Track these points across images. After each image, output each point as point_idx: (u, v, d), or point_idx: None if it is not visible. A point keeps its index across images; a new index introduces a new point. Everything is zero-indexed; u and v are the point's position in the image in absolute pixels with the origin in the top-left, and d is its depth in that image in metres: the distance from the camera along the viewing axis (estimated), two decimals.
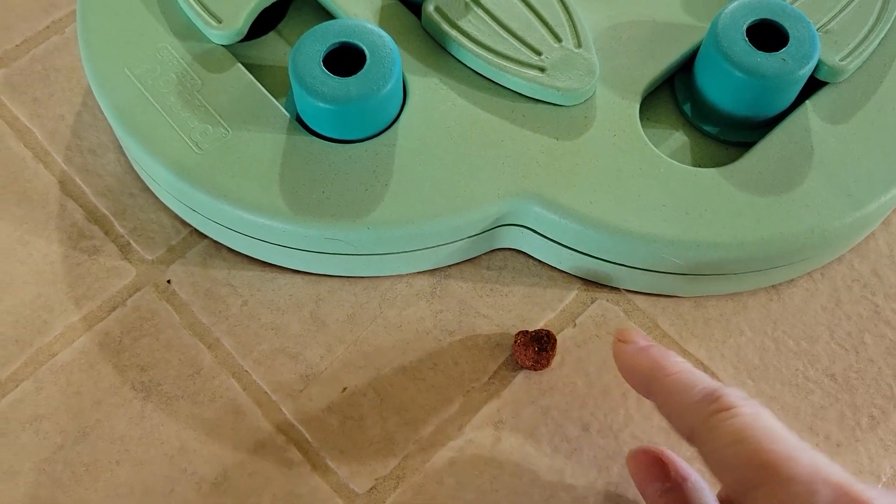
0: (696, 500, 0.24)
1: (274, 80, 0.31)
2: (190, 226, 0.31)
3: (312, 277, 0.30)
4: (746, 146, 0.30)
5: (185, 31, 0.30)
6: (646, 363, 0.24)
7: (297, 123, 0.29)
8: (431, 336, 0.29)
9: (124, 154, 0.32)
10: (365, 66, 0.27)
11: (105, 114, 0.29)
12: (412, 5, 0.31)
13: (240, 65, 0.30)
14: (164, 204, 0.31)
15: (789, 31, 0.28)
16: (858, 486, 0.20)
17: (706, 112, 0.30)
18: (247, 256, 0.30)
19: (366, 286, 0.30)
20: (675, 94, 0.31)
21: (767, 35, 0.28)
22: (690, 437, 0.22)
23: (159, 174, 0.28)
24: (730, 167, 0.28)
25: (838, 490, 0.19)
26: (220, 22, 0.29)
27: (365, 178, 0.28)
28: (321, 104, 0.27)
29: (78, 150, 0.32)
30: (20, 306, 0.29)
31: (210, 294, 0.30)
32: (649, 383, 0.24)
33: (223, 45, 0.30)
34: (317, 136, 0.29)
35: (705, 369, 0.29)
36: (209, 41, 0.30)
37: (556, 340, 0.28)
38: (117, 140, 0.32)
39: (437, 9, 0.30)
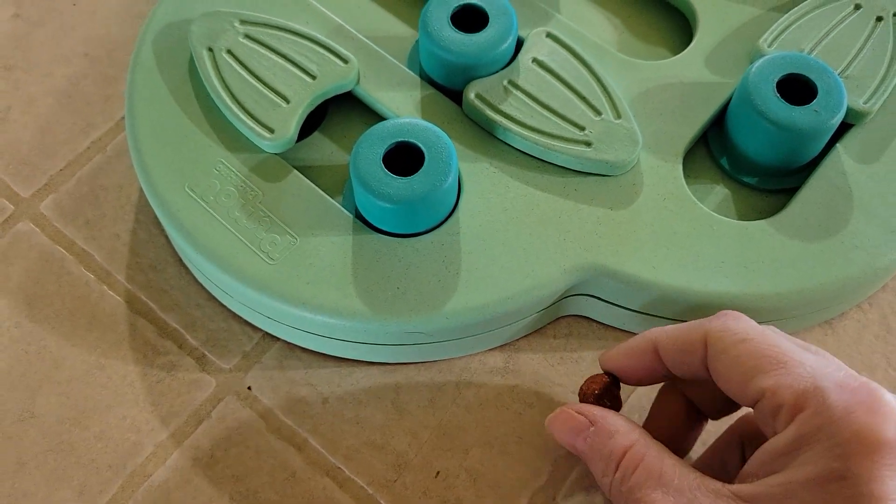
0: (610, 430, 0.25)
1: (325, 179, 0.32)
2: (261, 330, 0.32)
3: (388, 367, 0.31)
4: (784, 192, 0.31)
5: (238, 144, 0.31)
6: (641, 336, 0.26)
7: (359, 221, 0.30)
8: (511, 410, 0.30)
9: (185, 266, 0.33)
10: (424, 164, 0.28)
11: (172, 235, 0.30)
12: (451, 93, 0.32)
13: (296, 171, 0.31)
14: (232, 311, 0.32)
15: (816, 82, 0.30)
16: (862, 379, 0.21)
17: (743, 164, 0.31)
18: (322, 354, 0.31)
19: (440, 369, 0.31)
20: (710, 149, 0.32)
21: (794, 88, 0.30)
22: (699, 362, 0.23)
23: (235, 288, 0.29)
24: (777, 218, 0.30)
25: (840, 373, 0.21)
26: (272, 132, 0.30)
27: (435, 268, 0.29)
28: (387, 205, 0.28)
29: (138, 267, 0.33)
30: (108, 431, 0.30)
31: (291, 395, 0.31)
32: (654, 341, 0.25)
33: (276, 154, 0.31)
34: (380, 231, 0.30)
35: None
36: (262, 151, 0.31)
37: (617, 383, 0.28)
38: (176, 254, 0.33)
39: (479, 95, 0.31)
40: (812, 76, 0.30)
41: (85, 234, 0.33)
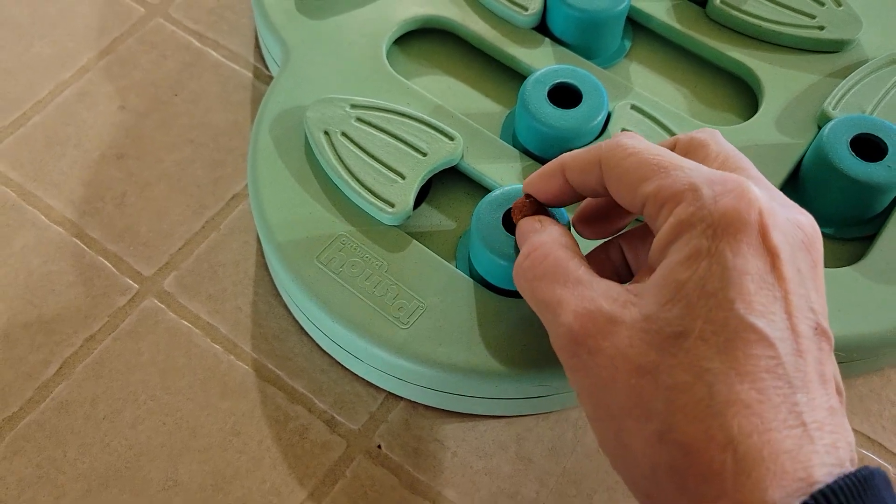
0: (540, 229, 0.27)
1: (437, 246, 0.34)
2: (384, 391, 0.34)
3: (508, 419, 0.33)
4: (860, 240, 0.34)
5: (357, 219, 0.33)
6: (552, 162, 0.28)
7: (477, 283, 0.32)
8: None
9: (306, 334, 0.35)
10: None
11: (302, 305, 0.32)
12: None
13: (415, 241, 0.33)
14: (356, 374, 0.34)
15: (886, 140, 0.33)
16: (733, 175, 0.23)
17: (820, 216, 0.34)
18: (444, 410, 0.33)
19: (558, 419, 0.33)
20: None
21: (864, 146, 0.33)
22: (598, 180, 0.25)
23: (370, 353, 0.31)
24: (862, 263, 0.32)
25: (713, 171, 0.23)
26: (392, 206, 0.33)
27: None
28: (510, 265, 0.30)
29: (262, 337, 0.35)
30: (249, 495, 0.32)
31: (420, 451, 0.32)
32: (561, 165, 0.27)
33: (394, 226, 0.33)
34: (500, 292, 0.32)
35: (871, 443, 0.33)
36: (380, 224, 0.33)
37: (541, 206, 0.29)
38: (296, 323, 0.35)
39: None
40: (881, 135, 0.33)
41: (208, 308, 0.36)
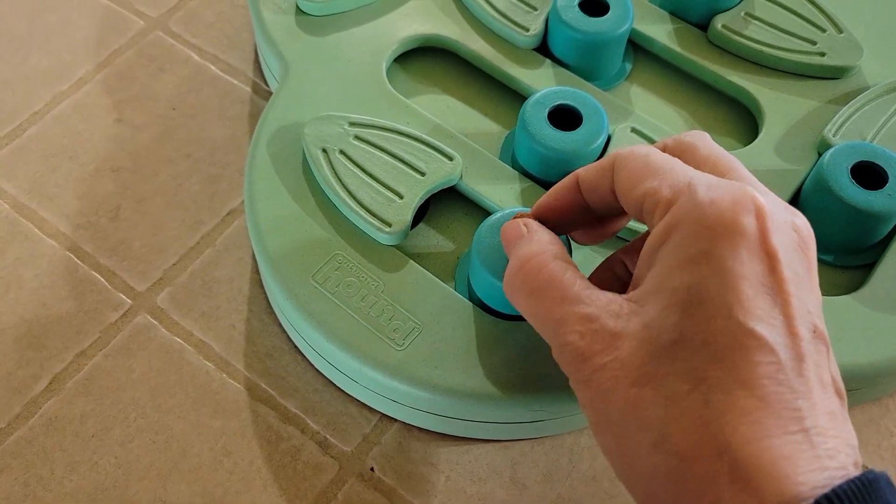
0: (533, 238, 0.26)
1: (434, 267, 0.34)
2: (378, 412, 0.33)
3: (502, 444, 0.33)
4: (860, 268, 0.34)
5: (353, 238, 0.33)
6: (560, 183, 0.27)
7: (475, 306, 0.32)
8: None
9: (300, 353, 0.34)
10: None
11: (297, 324, 0.32)
12: (547, 185, 0.35)
13: (412, 261, 0.33)
14: (349, 395, 0.33)
15: (886, 169, 0.33)
16: (735, 182, 0.22)
17: (819, 243, 0.34)
18: (439, 433, 0.33)
19: (553, 444, 0.33)
20: None
21: (864, 174, 0.33)
22: (608, 186, 0.25)
23: (364, 374, 0.31)
24: (861, 292, 0.32)
25: (711, 175, 0.23)
26: (390, 226, 0.32)
27: None
28: None
29: (256, 355, 0.34)
30: None
31: (413, 475, 0.32)
32: (574, 176, 0.27)
33: (391, 245, 0.33)
34: (497, 315, 0.32)
35: None
36: (377, 243, 0.33)
37: None
38: (290, 341, 0.35)
39: None
40: (881, 163, 0.33)
41: (202, 324, 0.35)
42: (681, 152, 0.26)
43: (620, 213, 0.27)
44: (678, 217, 0.22)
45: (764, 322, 0.21)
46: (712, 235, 0.21)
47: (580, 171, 0.27)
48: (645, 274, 0.23)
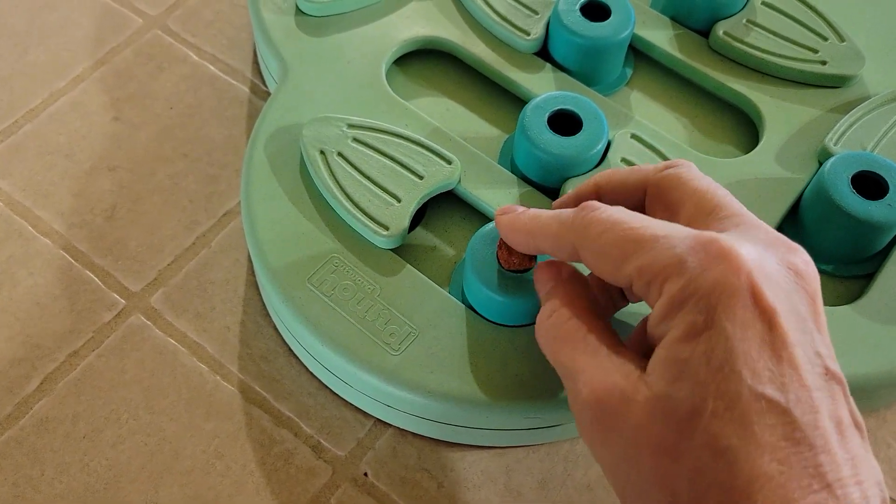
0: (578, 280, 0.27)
1: (431, 271, 0.34)
2: (372, 417, 0.33)
3: (497, 450, 0.32)
4: (859, 278, 0.34)
5: (350, 241, 0.33)
6: (525, 219, 0.27)
7: (471, 311, 0.32)
8: None
9: (294, 356, 0.34)
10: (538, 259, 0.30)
11: (292, 327, 0.32)
12: (546, 190, 0.34)
13: (409, 265, 0.32)
14: (344, 399, 0.33)
15: (887, 178, 0.32)
16: (711, 233, 0.22)
17: (819, 253, 0.34)
18: (434, 439, 0.32)
19: (548, 451, 0.32)
20: None
21: (865, 184, 0.33)
22: (574, 252, 0.25)
23: (359, 378, 0.31)
24: (860, 302, 0.32)
25: (694, 237, 0.22)
26: (387, 229, 0.32)
27: None
28: (507, 299, 0.30)
29: (250, 358, 0.34)
30: None
31: (406, 481, 0.32)
32: (531, 233, 0.27)
33: (388, 249, 0.33)
34: (491, 321, 0.31)
35: None
36: (374, 247, 0.33)
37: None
38: (285, 344, 0.34)
39: None
40: (882, 173, 0.33)
41: (196, 326, 0.35)
42: (664, 190, 0.26)
43: None
44: (673, 294, 0.22)
45: (773, 383, 0.21)
46: (709, 304, 0.21)
47: (534, 229, 0.27)
48: (654, 344, 0.23)
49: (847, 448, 0.21)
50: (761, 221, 0.24)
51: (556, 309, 0.25)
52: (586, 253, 0.25)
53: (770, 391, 0.21)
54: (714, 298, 0.21)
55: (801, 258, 0.23)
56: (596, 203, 0.25)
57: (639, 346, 0.25)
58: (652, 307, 0.23)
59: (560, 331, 0.25)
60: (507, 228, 0.28)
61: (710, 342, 0.21)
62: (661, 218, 0.25)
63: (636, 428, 0.22)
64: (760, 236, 0.23)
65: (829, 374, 0.22)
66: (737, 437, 0.20)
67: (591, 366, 0.23)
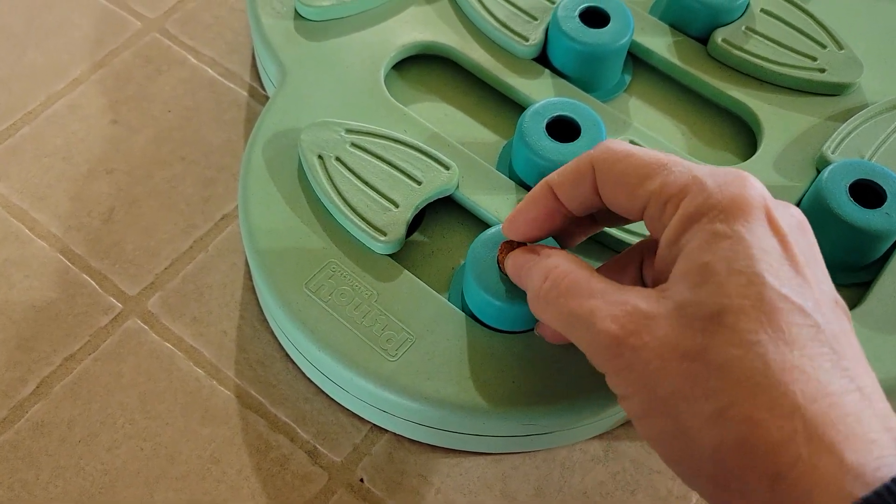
0: (547, 252, 0.27)
1: (429, 277, 0.34)
2: (369, 422, 0.33)
3: (494, 457, 0.32)
4: (856, 286, 0.34)
5: (347, 246, 0.33)
6: (538, 192, 0.27)
7: (468, 317, 0.32)
8: (615, 497, 0.32)
9: (291, 361, 0.34)
10: None
11: (289, 333, 0.32)
12: None
13: (407, 271, 0.32)
14: (340, 404, 0.33)
15: (885, 187, 0.33)
16: (728, 167, 0.23)
17: None
18: (430, 445, 0.32)
19: (544, 458, 0.32)
20: None
21: (862, 192, 0.33)
22: (588, 190, 0.25)
23: (356, 384, 0.30)
24: (857, 311, 0.32)
25: (708, 166, 0.23)
26: (385, 235, 0.32)
27: (549, 361, 0.30)
28: (508, 305, 0.30)
29: (247, 363, 0.34)
30: None
31: (403, 486, 0.32)
32: (554, 183, 0.27)
33: (386, 255, 0.33)
34: (490, 327, 0.31)
35: None
36: (372, 252, 0.33)
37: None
38: (282, 349, 0.34)
39: None
40: (880, 181, 0.33)
41: (193, 330, 0.35)
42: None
43: (603, 212, 0.27)
44: (691, 210, 0.23)
45: (794, 289, 0.21)
46: (729, 217, 0.22)
47: (551, 179, 0.27)
48: (665, 268, 0.23)
49: (866, 367, 0.22)
50: None
51: (551, 269, 0.25)
52: (606, 178, 0.25)
53: (792, 295, 0.21)
54: (733, 212, 0.22)
55: (798, 211, 0.24)
56: (615, 140, 0.26)
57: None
58: (662, 231, 0.24)
59: (562, 285, 0.25)
60: (520, 205, 0.28)
61: (733, 248, 0.22)
62: (623, 189, 0.25)
63: (662, 340, 0.22)
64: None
65: (838, 303, 0.23)
66: (765, 333, 0.21)
67: (605, 302, 0.23)
